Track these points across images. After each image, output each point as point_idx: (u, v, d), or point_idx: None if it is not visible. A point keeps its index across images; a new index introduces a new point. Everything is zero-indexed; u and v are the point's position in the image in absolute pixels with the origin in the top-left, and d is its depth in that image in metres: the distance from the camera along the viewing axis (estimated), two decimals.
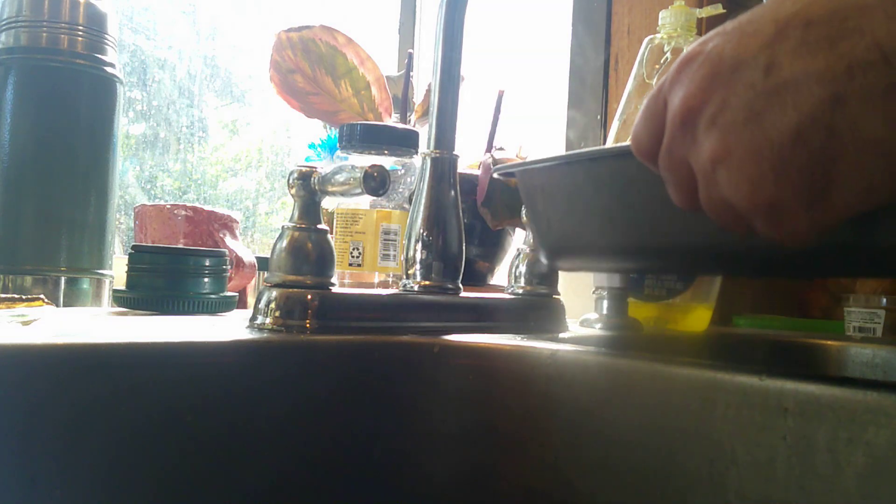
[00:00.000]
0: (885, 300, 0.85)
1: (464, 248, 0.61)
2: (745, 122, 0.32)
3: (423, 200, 0.60)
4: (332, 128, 0.91)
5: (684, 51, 0.35)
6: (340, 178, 0.51)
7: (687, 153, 0.35)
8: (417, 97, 0.93)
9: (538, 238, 0.54)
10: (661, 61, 0.81)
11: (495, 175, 0.59)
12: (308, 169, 0.53)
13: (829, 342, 0.78)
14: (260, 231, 1.33)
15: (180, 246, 0.75)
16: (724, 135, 0.32)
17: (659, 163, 0.37)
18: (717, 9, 0.80)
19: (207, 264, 0.65)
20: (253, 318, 0.53)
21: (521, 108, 1.12)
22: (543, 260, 0.55)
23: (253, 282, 0.83)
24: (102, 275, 0.74)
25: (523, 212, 0.62)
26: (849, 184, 0.30)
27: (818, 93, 0.30)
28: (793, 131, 0.30)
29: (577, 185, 0.49)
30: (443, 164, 0.60)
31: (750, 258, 0.42)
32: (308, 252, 0.52)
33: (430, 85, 0.64)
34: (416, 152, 0.74)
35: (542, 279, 0.66)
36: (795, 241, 0.33)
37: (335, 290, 0.53)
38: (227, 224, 0.80)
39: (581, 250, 0.51)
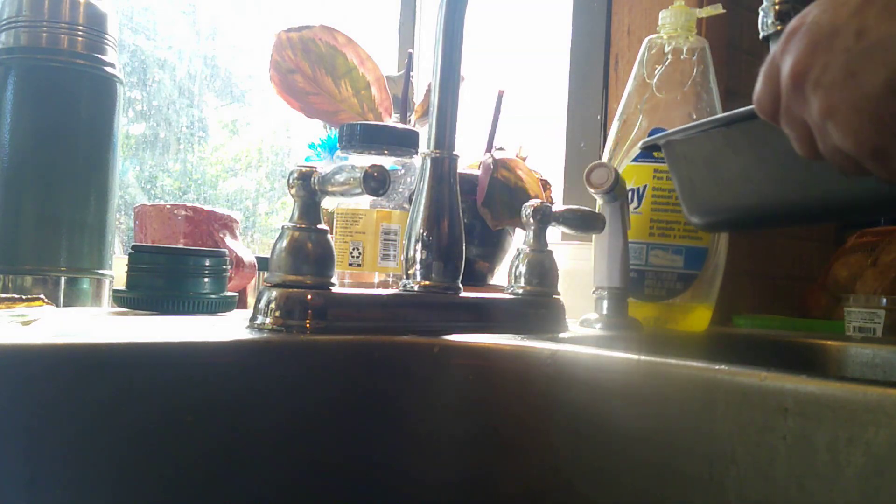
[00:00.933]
0: (885, 300, 0.85)
1: (464, 248, 0.61)
2: (845, 80, 0.37)
3: (423, 200, 0.60)
4: (332, 128, 0.91)
5: (790, 23, 0.41)
6: (340, 178, 0.51)
7: (801, 111, 0.40)
8: (417, 97, 0.93)
9: (684, 201, 0.58)
10: (662, 62, 0.81)
11: (641, 146, 0.64)
12: (308, 169, 0.53)
13: (829, 342, 0.78)
14: (260, 231, 1.33)
15: (180, 246, 0.75)
16: (828, 93, 0.38)
17: (780, 121, 0.42)
18: (718, 9, 0.80)
19: (207, 264, 0.65)
20: (253, 318, 0.53)
21: (521, 108, 1.12)
22: (690, 219, 0.58)
23: (253, 282, 0.83)
24: (102, 275, 0.74)
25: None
26: None
27: None
28: (884, 85, 0.36)
29: (716, 148, 0.54)
30: (443, 164, 0.60)
31: (863, 202, 0.48)
32: (308, 252, 0.52)
33: (430, 85, 0.64)
34: (416, 152, 0.74)
35: (542, 279, 0.66)
36: None
37: (335, 290, 0.53)
38: (227, 224, 0.80)
39: (724, 208, 0.56)
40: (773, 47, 0.42)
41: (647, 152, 0.62)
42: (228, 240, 0.79)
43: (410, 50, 1.22)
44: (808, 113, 0.40)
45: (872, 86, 0.36)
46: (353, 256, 0.71)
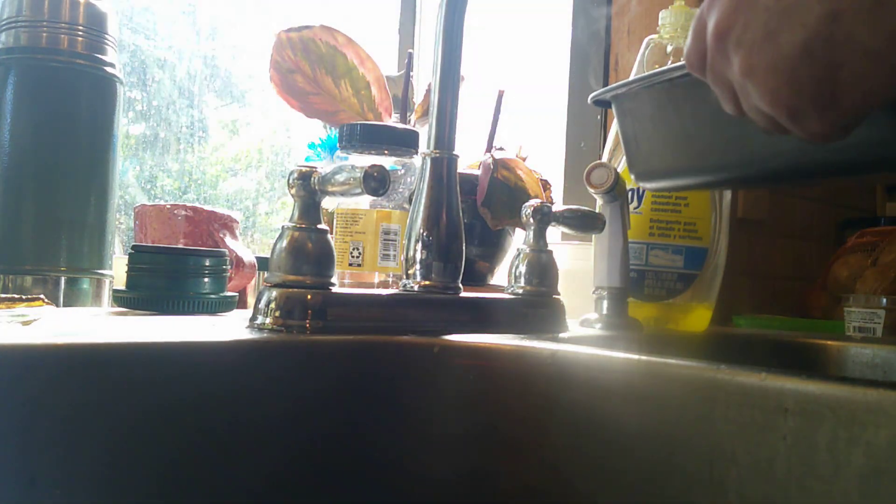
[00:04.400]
0: (885, 300, 0.85)
1: (464, 248, 0.61)
2: (763, 40, 0.37)
3: (423, 200, 0.60)
4: (332, 128, 0.91)
5: None
6: (340, 178, 0.51)
7: (724, 69, 0.40)
8: (417, 97, 0.93)
9: (629, 158, 0.59)
10: (663, 62, 0.81)
11: (591, 100, 0.64)
12: (308, 169, 0.53)
13: (829, 342, 0.78)
14: (260, 231, 1.33)
15: (180, 246, 0.75)
16: (748, 53, 0.38)
17: (707, 77, 0.42)
18: None
19: (207, 264, 0.65)
20: (253, 318, 0.53)
21: (522, 107, 1.12)
22: (633, 177, 0.59)
23: (253, 282, 0.83)
24: (102, 275, 0.74)
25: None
26: (851, 88, 0.36)
27: (818, 10, 0.35)
28: (801, 46, 0.36)
29: (659, 104, 0.54)
30: (443, 164, 0.60)
31: (792, 163, 0.48)
32: (308, 252, 0.52)
33: (430, 85, 0.63)
34: (416, 152, 0.74)
35: (542, 279, 0.66)
36: (819, 139, 0.39)
37: (335, 290, 0.53)
38: (227, 224, 0.80)
39: (667, 166, 0.56)
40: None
41: (600, 107, 0.63)
42: (228, 240, 0.79)
43: (410, 50, 1.22)
44: (730, 71, 0.40)
45: (790, 46, 0.36)
46: (353, 256, 0.71)
